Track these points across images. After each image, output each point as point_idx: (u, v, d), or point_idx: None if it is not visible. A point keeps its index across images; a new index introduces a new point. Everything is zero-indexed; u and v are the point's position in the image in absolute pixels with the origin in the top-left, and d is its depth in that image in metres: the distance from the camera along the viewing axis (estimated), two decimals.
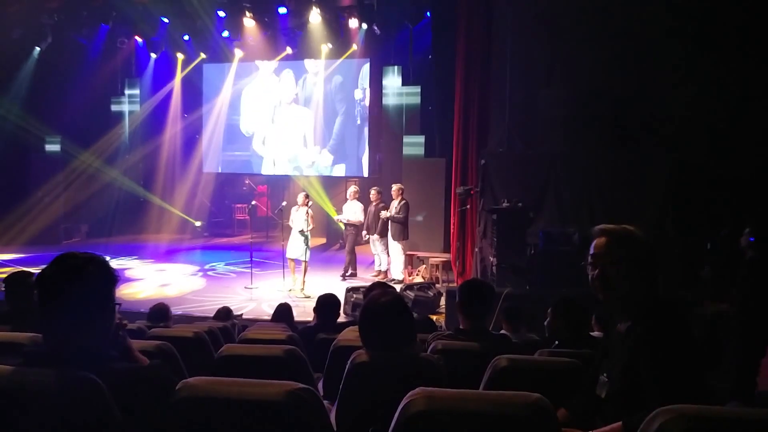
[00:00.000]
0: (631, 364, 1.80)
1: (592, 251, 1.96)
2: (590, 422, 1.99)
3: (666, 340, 1.76)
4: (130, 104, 14.93)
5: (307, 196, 9.31)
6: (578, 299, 3.56)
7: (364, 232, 9.95)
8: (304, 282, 9.11)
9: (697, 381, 1.73)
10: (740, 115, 7.16)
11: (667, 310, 1.85)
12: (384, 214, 9.58)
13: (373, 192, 9.97)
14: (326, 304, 4.49)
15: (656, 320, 1.81)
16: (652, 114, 7.68)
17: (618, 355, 1.90)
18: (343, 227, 10.57)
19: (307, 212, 9.03)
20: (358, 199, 10.15)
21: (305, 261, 9.09)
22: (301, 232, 8.98)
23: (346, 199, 10.37)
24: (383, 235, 9.77)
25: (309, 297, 8.59)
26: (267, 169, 14.28)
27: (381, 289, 3.22)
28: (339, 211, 10.96)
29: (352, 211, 10.08)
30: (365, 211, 9.97)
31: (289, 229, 9.24)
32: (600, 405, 1.95)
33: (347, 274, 10.03)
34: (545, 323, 3.66)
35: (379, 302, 2.36)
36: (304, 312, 7.44)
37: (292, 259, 9.20)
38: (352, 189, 10.38)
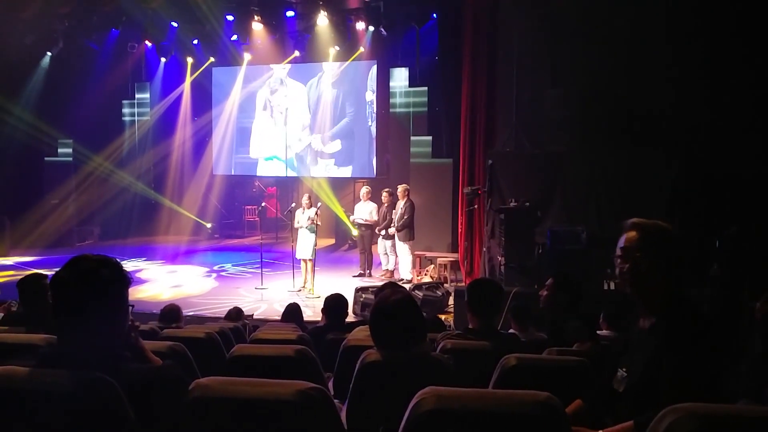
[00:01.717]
0: (652, 360, 1.80)
1: (622, 244, 1.93)
2: (604, 416, 2.00)
3: (688, 338, 1.75)
4: (140, 108, 15.04)
5: (310, 198, 9.38)
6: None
7: (377, 229, 10.03)
8: (308, 281, 9.16)
9: (713, 382, 1.72)
10: (746, 112, 7.11)
11: (692, 308, 1.84)
12: (391, 230, 9.69)
13: (384, 194, 10.05)
14: (334, 304, 4.49)
15: (680, 318, 1.81)
16: (658, 112, 7.64)
17: (639, 350, 1.89)
18: (353, 230, 10.61)
19: (317, 213, 9.10)
20: (371, 200, 10.23)
21: (311, 260, 9.16)
22: (310, 228, 9.05)
23: (356, 200, 10.43)
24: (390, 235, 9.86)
25: (318, 297, 8.63)
26: (276, 171, 14.36)
27: (392, 288, 3.23)
28: (349, 211, 11.02)
29: (366, 212, 10.19)
30: (378, 211, 10.08)
31: (297, 231, 9.32)
32: (616, 399, 1.95)
33: (365, 274, 10.18)
34: (541, 294, 3.59)
35: (389, 301, 2.37)
36: (316, 312, 7.46)
37: (304, 260, 9.27)
38: (364, 190, 10.49)
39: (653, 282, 1.87)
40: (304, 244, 9.13)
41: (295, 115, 13.93)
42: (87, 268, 1.66)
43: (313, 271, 9.23)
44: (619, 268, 1.93)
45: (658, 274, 1.86)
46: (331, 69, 13.61)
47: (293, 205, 9.89)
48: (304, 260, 9.24)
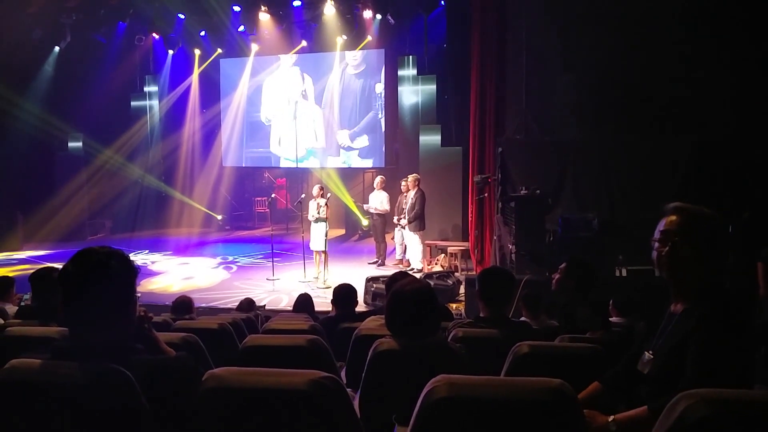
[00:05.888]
0: (680, 345, 1.78)
1: (663, 227, 1.90)
2: (621, 399, 1.99)
3: (720, 328, 1.73)
4: (149, 101, 15.10)
5: (321, 188, 9.37)
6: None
7: (395, 219, 10.05)
8: (322, 272, 9.18)
9: (743, 372, 1.69)
10: (758, 96, 7.01)
11: (729, 298, 1.81)
12: (403, 222, 9.69)
13: (404, 183, 10.03)
14: (343, 294, 4.49)
15: (715, 305, 1.78)
16: (670, 98, 7.55)
17: (669, 335, 1.87)
18: (363, 220, 10.61)
19: (323, 203, 9.11)
20: (384, 189, 10.25)
21: (324, 251, 9.17)
22: (317, 220, 9.07)
23: (365, 190, 10.42)
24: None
25: (329, 287, 8.63)
26: (286, 162, 14.37)
27: (406, 277, 3.23)
28: (360, 201, 11.03)
29: (377, 201, 10.20)
30: (390, 200, 10.09)
31: (309, 222, 9.34)
32: (636, 382, 1.94)
33: (378, 263, 10.25)
34: (554, 278, 3.59)
35: (408, 289, 2.37)
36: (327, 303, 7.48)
37: (317, 251, 9.29)
38: (378, 179, 10.51)
39: (691, 267, 1.84)
40: (316, 235, 9.15)
41: (301, 109, 13.91)
42: (94, 260, 1.66)
43: (326, 262, 9.24)
44: (656, 252, 1.90)
45: (696, 259, 1.83)
46: (342, 60, 13.55)
47: (303, 195, 9.91)
48: (317, 252, 9.27)
